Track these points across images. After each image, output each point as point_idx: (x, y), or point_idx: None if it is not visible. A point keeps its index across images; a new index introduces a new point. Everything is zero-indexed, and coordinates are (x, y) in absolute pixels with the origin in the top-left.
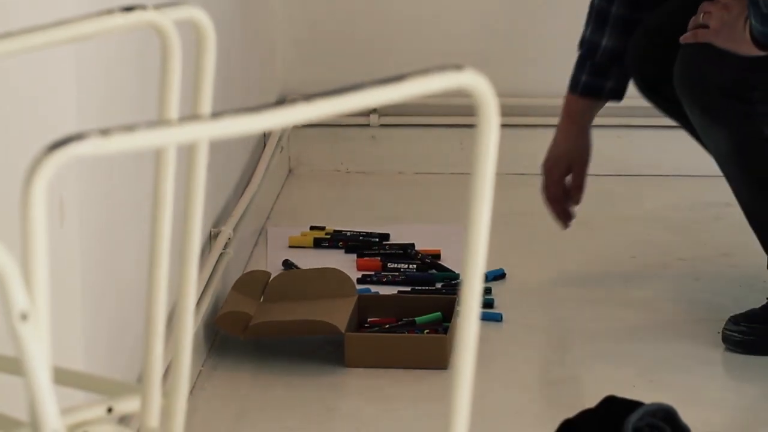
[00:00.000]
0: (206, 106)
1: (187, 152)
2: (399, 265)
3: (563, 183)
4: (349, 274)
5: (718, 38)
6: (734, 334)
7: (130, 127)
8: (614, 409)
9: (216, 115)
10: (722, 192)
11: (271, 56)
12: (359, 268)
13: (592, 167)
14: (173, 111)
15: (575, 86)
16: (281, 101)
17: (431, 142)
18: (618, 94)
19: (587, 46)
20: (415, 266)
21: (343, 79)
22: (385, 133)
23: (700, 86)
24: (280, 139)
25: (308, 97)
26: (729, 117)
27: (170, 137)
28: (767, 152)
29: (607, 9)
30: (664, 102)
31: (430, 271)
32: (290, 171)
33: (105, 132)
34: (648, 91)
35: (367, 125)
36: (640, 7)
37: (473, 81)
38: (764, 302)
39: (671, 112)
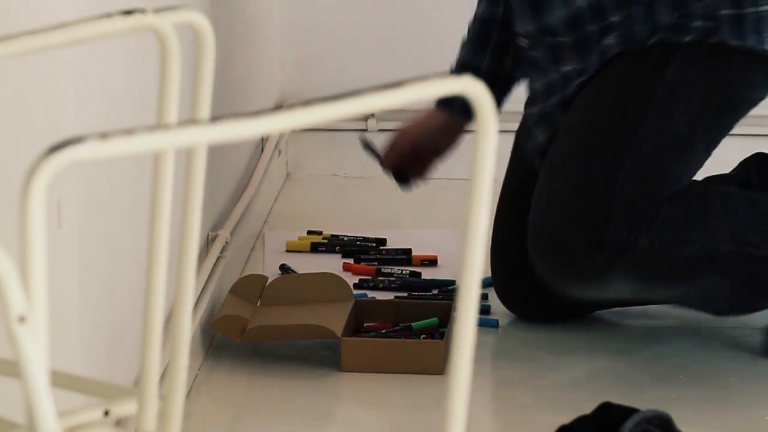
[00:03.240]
0: (205, 110)
1: (185, 156)
2: (392, 269)
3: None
4: (345, 278)
5: (406, 136)
6: None
7: (129, 131)
8: (610, 415)
9: (215, 119)
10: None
11: (270, 61)
12: (353, 273)
13: None
14: (172, 115)
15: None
16: (280, 106)
17: None
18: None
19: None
20: (408, 272)
21: (342, 84)
22: (383, 137)
23: (562, 257)
24: (278, 143)
25: (306, 102)
26: (604, 271)
27: (169, 141)
28: (658, 264)
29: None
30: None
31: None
32: (288, 175)
33: (104, 135)
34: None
35: (365, 130)
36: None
37: (471, 87)
38: None
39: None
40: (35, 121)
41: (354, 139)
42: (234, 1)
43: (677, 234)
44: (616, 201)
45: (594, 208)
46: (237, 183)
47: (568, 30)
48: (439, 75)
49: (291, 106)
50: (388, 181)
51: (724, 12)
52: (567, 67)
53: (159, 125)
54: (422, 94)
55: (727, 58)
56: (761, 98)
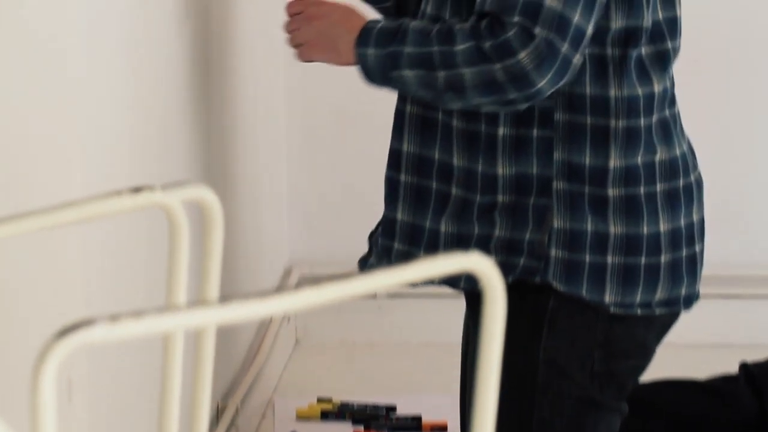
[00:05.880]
0: (214, 287)
1: (195, 330)
2: None
3: None
4: None
5: (317, 51)
6: None
7: (138, 314)
8: None
9: (223, 299)
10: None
11: (278, 227)
12: None
13: None
14: (181, 291)
15: None
16: (288, 271)
17: (438, 312)
18: None
19: None
20: None
21: (349, 249)
22: (391, 303)
23: None
24: None
25: (316, 281)
26: None
27: (178, 323)
28: None
29: None
30: None
31: None
32: (297, 342)
33: (114, 318)
34: None
35: (374, 296)
36: None
37: (480, 264)
38: None
39: None
40: (44, 300)
41: (362, 305)
42: (241, 169)
43: None
44: None
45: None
46: (246, 351)
47: None
48: (447, 253)
49: (300, 285)
50: (397, 347)
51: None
52: None
53: (168, 307)
54: (429, 272)
55: (588, 315)
56: (649, 342)
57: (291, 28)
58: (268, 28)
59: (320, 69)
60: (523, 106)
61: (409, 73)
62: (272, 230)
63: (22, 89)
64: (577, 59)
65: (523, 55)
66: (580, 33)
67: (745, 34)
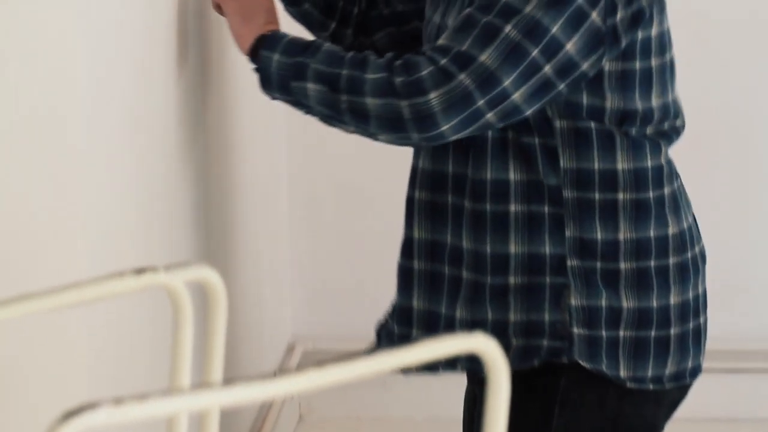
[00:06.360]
0: (218, 366)
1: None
2: None
3: None
4: None
5: (234, 8)
6: None
7: (142, 397)
8: None
9: (227, 382)
10: None
11: (280, 302)
12: None
13: None
14: (185, 371)
15: None
16: (292, 346)
17: (442, 387)
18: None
19: None
20: None
21: (353, 324)
22: (396, 378)
23: None
24: None
25: (320, 357)
26: None
27: (182, 406)
28: None
29: None
30: None
31: None
32: (301, 418)
33: (118, 401)
34: None
35: None
36: None
37: (484, 346)
38: None
39: None
40: (48, 382)
41: (367, 381)
42: (243, 245)
43: None
44: None
45: None
46: (250, 427)
47: None
48: (451, 334)
49: (304, 361)
50: (402, 423)
51: (578, 332)
52: None
53: (172, 390)
54: (433, 353)
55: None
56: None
57: None
58: (271, 102)
59: (323, 144)
60: (421, 145)
61: (311, 86)
62: (275, 306)
63: (23, 167)
64: (490, 118)
65: (433, 96)
66: (503, 96)
67: (744, 105)
